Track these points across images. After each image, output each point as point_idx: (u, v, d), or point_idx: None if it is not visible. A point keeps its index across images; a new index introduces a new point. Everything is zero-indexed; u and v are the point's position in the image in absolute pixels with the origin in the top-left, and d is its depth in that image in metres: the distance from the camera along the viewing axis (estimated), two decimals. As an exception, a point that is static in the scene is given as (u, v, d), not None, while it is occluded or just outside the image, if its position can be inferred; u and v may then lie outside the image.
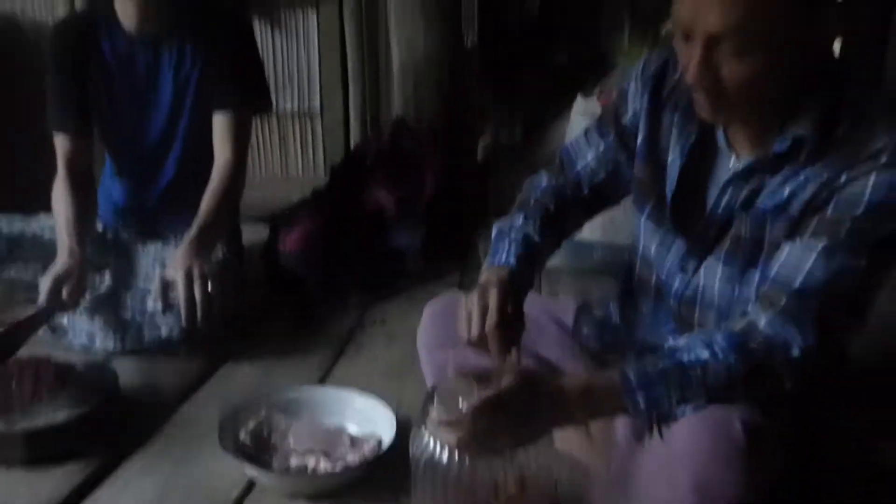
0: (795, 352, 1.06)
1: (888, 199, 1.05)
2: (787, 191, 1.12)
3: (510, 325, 1.22)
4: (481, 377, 1.13)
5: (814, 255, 1.07)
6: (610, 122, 1.38)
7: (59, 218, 1.97)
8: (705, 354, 1.08)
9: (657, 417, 1.09)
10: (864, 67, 3.15)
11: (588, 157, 1.41)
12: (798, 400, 1.15)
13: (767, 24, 1.00)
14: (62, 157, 2.07)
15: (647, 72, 1.31)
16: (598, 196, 1.43)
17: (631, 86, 1.33)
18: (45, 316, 1.86)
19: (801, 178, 1.10)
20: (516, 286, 1.27)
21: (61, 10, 3.05)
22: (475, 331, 1.20)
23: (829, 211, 1.08)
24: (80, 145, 2.09)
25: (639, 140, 1.32)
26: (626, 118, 1.34)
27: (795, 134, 1.09)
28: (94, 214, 2.14)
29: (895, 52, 3.16)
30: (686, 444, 1.06)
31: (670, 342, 1.17)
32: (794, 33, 1.03)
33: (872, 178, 1.05)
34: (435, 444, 1.11)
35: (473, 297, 1.23)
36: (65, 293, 1.83)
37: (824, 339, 1.07)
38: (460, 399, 1.09)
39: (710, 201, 1.22)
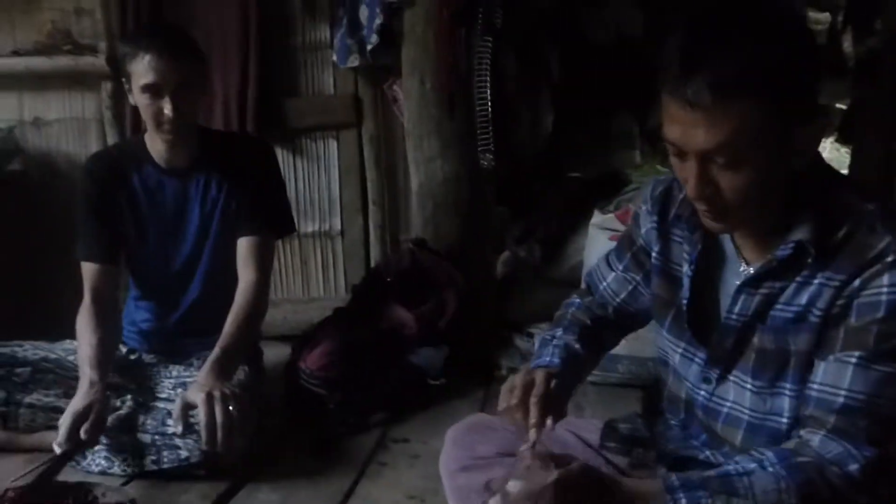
0: (853, 467, 1.05)
1: None
2: (804, 299, 1.14)
3: (552, 403, 1.24)
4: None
5: (850, 370, 1.08)
6: (626, 245, 1.47)
7: (81, 347, 1.99)
8: (752, 465, 1.08)
9: None
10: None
11: (608, 279, 1.50)
12: None
13: (754, 137, 1.04)
14: (88, 286, 2.12)
15: (656, 193, 1.38)
16: (623, 316, 1.50)
17: (643, 208, 1.40)
18: (65, 459, 1.84)
19: (815, 284, 1.13)
20: (559, 381, 1.30)
21: (94, 146, 3.18)
22: (517, 397, 1.23)
23: (853, 319, 1.09)
24: (107, 273, 2.14)
25: (652, 257, 1.37)
26: (640, 239, 1.41)
27: (796, 238, 1.12)
28: (117, 344, 2.16)
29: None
30: None
31: (706, 454, 1.19)
32: (782, 143, 1.07)
33: (886, 278, 1.07)
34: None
35: (518, 375, 1.27)
36: (83, 432, 1.81)
37: (879, 450, 1.06)
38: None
39: (724, 310, 1.24)
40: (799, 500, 1.05)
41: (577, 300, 1.55)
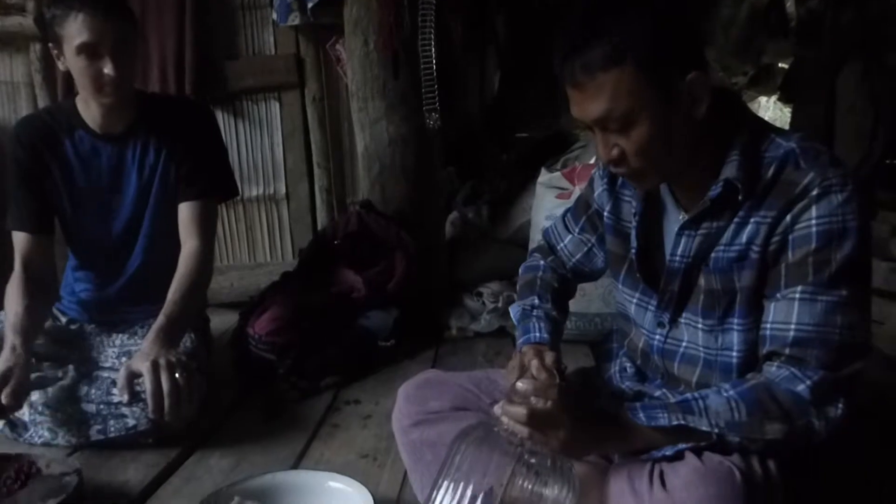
0: (801, 388, 1.13)
1: (832, 225, 1.15)
2: (743, 238, 1.22)
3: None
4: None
5: (796, 305, 1.17)
6: (582, 208, 1.56)
7: (8, 316, 1.94)
8: (707, 391, 1.18)
9: (658, 430, 1.15)
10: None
11: (565, 240, 1.61)
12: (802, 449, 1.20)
13: (633, 99, 1.15)
14: (19, 255, 2.05)
15: None
16: (578, 273, 1.62)
17: (595, 172, 1.51)
18: None
19: (751, 224, 1.21)
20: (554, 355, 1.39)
21: (24, 110, 3.07)
22: (533, 367, 1.31)
23: (790, 255, 1.18)
24: (38, 243, 2.08)
25: (605, 216, 1.47)
26: (594, 202, 1.52)
27: (725, 178, 1.21)
28: (46, 315, 2.09)
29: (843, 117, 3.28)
30: (686, 495, 1.10)
31: (662, 391, 1.34)
32: (665, 97, 1.16)
33: (813, 210, 1.16)
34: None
35: (528, 351, 1.37)
36: (4, 396, 1.76)
37: (829, 373, 1.14)
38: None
39: (668, 254, 1.32)
40: (748, 415, 1.13)
41: (542, 262, 1.63)
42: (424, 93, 2.78)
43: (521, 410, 1.13)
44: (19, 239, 2.06)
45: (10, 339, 1.86)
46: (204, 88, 3.13)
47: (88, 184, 2.09)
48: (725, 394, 1.16)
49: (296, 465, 1.83)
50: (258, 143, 3.32)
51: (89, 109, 2.05)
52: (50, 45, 1.99)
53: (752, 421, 1.13)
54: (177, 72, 3.09)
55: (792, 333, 1.16)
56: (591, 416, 1.19)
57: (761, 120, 1.30)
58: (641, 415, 1.16)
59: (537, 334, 1.44)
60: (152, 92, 2.79)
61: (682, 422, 1.13)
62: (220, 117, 3.26)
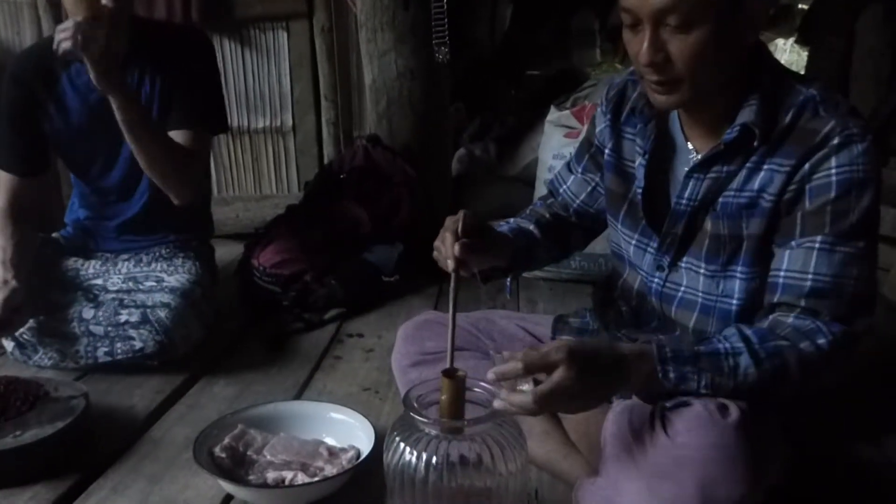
0: (822, 341, 1.11)
1: (853, 174, 1.13)
2: (755, 185, 1.19)
3: (475, 234, 1.25)
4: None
5: (815, 254, 1.14)
6: (585, 148, 1.51)
7: None
8: (740, 345, 1.12)
9: (683, 393, 1.11)
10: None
11: (568, 182, 1.56)
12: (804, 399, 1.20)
13: (703, 1, 1.08)
14: (7, 194, 2.04)
15: (610, 93, 1.43)
16: (584, 217, 1.55)
17: (598, 109, 1.45)
18: None
19: (765, 170, 1.18)
20: (487, 228, 1.34)
21: (28, 32, 3.03)
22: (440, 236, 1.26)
23: (808, 204, 1.15)
24: (27, 185, 2.06)
25: (605, 154, 1.42)
26: (596, 138, 1.46)
27: (742, 122, 1.17)
28: (33, 248, 2.07)
29: (861, 58, 3.22)
30: (688, 441, 1.09)
31: (658, 338, 1.24)
32: (733, 7, 1.10)
33: (833, 160, 1.13)
34: (409, 452, 1.09)
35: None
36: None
37: (845, 326, 1.13)
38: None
39: (674, 196, 1.29)
40: (771, 378, 1.11)
41: (539, 202, 1.60)
42: (434, 25, 2.73)
43: (525, 399, 1.05)
44: (6, 180, 2.05)
45: (0, 273, 1.89)
46: (210, 15, 3.07)
47: (86, 118, 2.04)
48: (755, 347, 1.11)
49: (298, 396, 1.86)
50: (265, 74, 3.28)
51: None
52: None
53: (774, 384, 1.12)
54: (182, -3, 3.03)
55: (809, 283, 1.14)
56: (599, 371, 1.09)
57: (782, 65, 1.26)
58: (672, 374, 1.10)
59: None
60: (147, 18, 2.72)
61: (710, 388, 1.10)
62: (227, 46, 3.22)
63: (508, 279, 1.53)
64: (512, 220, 1.53)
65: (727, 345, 1.12)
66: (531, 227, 1.49)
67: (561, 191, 1.57)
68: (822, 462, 1.48)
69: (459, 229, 1.24)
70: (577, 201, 1.54)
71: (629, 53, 1.20)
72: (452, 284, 1.21)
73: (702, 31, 1.10)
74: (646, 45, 1.13)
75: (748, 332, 1.14)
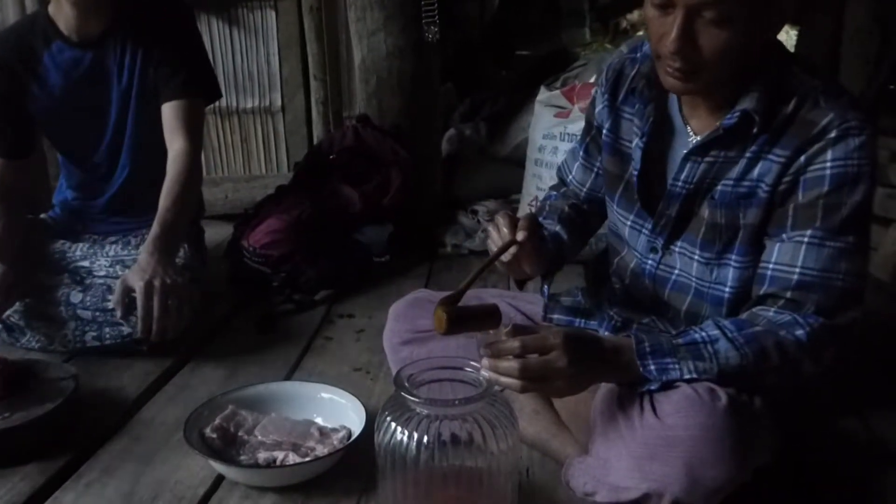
0: (800, 332, 1.12)
1: (847, 169, 1.12)
2: (755, 174, 1.19)
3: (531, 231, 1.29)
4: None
5: (803, 248, 1.15)
6: (586, 132, 1.51)
7: None
8: (715, 332, 1.14)
9: (665, 385, 1.13)
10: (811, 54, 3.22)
11: (574, 170, 1.57)
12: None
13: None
14: None
15: (609, 74, 1.42)
16: (595, 202, 1.56)
17: (597, 90, 1.45)
18: None
19: (763, 161, 1.18)
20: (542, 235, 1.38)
21: (10, 11, 2.98)
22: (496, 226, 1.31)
23: (800, 196, 1.15)
24: (12, 168, 2.05)
25: (603, 134, 1.42)
26: (595, 119, 1.46)
27: (742, 108, 1.16)
28: (21, 230, 2.06)
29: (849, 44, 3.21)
30: (676, 422, 1.10)
31: (650, 318, 1.31)
32: (763, 8, 1.09)
33: (829, 153, 1.12)
34: (401, 432, 1.09)
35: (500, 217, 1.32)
36: None
37: (827, 320, 1.13)
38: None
39: (670, 178, 1.28)
40: (753, 364, 1.12)
41: (553, 193, 1.60)
42: (424, 4, 2.70)
43: (511, 367, 1.08)
44: None
45: None
46: (198, -6, 3.04)
47: (70, 96, 2.03)
48: (731, 335, 1.13)
49: (289, 377, 1.86)
50: (253, 53, 3.25)
51: (62, 13, 1.98)
52: None
53: (757, 370, 1.13)
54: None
55: (796, 277, 1.14)
56: (589, 360, 1.13)
57: (791, 54, 1.25)
58: (652, 367, 1.13)
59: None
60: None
61: (693, 374, 1.12)
62: (215, 25, 3.19)
63: (544, 286, 1.53)
64: (539, 219, 1.50)
65: (703, 334, 1.15)
66: (558, 227, 1.49)
67: (568, 180, 1.59)
68: (808, 437, 1.49)
69: (524, 225, 1.27)
70: (585, 189, 1.56)
71: (650, 31, 1.18)
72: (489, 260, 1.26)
73: (738, 27, 1.08)
74: (676, 32, 1.10)
75: (724, 322, 1.16)
